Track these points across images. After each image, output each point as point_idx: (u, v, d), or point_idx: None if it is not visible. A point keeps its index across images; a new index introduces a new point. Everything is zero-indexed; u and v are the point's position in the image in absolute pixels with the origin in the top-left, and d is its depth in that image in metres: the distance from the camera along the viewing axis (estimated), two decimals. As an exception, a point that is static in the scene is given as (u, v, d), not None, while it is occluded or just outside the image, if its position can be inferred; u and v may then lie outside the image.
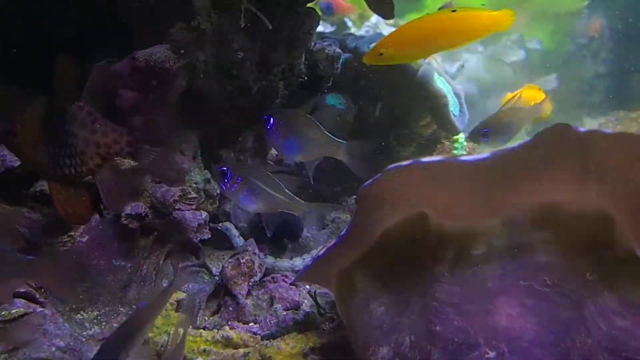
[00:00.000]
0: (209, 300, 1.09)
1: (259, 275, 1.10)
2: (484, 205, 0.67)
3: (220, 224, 1.27)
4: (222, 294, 1.08)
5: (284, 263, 1.24)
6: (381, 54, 1.00)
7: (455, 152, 1.50)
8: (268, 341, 0.91)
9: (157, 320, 0.96)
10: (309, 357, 0.89)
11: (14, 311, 0.80)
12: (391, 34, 1.03)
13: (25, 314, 0.81)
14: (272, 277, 1.12)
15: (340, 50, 1.35)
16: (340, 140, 1.10)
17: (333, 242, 0.84)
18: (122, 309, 1.02)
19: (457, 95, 1.37)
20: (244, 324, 1.05)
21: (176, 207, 1.05)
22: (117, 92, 1.03)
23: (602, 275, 0.62)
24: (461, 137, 1.53)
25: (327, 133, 1.11)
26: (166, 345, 0.93)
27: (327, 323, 1.03)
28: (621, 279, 0.60)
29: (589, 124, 3.31)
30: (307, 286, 1.12)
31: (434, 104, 1.27)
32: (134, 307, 1.03)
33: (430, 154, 1.41)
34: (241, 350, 0.91)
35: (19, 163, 0.98)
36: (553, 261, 0.65)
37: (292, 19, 1.23)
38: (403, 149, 1.39)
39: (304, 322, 1.03)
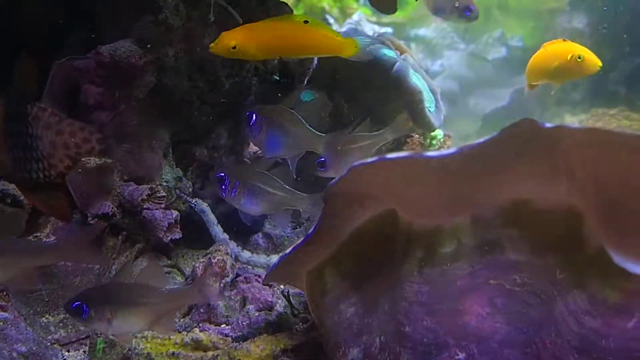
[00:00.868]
0: (179, 302, 1.06)
1: (232, 276, 1.08)
2: (452, 202, 0.66)
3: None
4: (193, 294, 1.06)
5: (260, 259, 1.21)
6: (234, 47, 0.98)
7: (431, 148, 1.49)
8: (238, 343, 0.89)
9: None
10: (280, 359, 0.87)
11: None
12: (244, 28, 1.01)
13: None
14: (245, 277, 1.09)
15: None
16: (319, 134, 1.09)
17: (300, 240, 0.82)
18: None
19: (432, 91, 1.35)
20: (215, 325, 1.03)
21: (144, 206, 1.02)
22: (81, 88, 1.00)
23: (572, 274, 0.61)
24: (438, 133, 1.52)
25: (308, 127, 1.10)
26: None
27: (301, 324, 1.01)
28: (591, 278, 0.59)
29: (570, 121, 3.33)
30: (282, 286, 1.10)
31: (409, 100, 1.25)
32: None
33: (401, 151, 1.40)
34: (210, 353, 0.88)
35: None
36: (523, 259, 0.64)
37: (263, 13, 1.21)
38: (382, 146, 1.37)
39: (277, 323, 1.01)
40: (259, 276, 1.10)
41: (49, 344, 0.92)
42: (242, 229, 1.27)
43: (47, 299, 0.97)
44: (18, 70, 0.89)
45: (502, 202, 0.64)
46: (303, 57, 1.13)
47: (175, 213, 1.12)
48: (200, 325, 1.01)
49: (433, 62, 4.05)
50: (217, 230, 1.22)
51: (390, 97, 1.31)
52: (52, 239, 1.03)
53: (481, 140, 0.59)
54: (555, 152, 0.58)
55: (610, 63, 3.12)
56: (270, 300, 1.05)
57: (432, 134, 1.52)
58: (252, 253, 1.22)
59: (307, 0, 3.52)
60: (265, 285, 1.08)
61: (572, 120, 3.30)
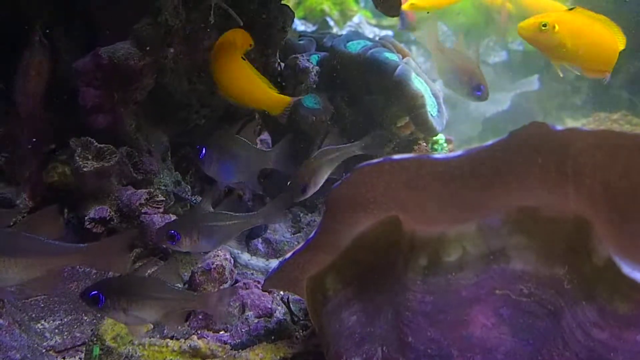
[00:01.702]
0: (177, 308, 1.05)
1: (230, 281, 1.06)
2: (457, 208, 0.64)
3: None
4: (191, 301, 1.04)
5: (259, 262, 1.20)
6: None
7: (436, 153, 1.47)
8: (236, 351, 0.87)
9: (121, 330, 0.92)
10: (279, 368, 0.86)
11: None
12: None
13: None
14: (244, 283, 1.08)
15: (308, 65, 1.30)
16: (265, 150, 1.10)
17: (299, 246, 0.81)
18: (85, 318, 0.98)
19: (435, 95, 1.34)
20: (213, 332, 1.01)
21: (142, 210, 1.01)
22: (79, 89, 0.99)
23: (580, 284, 0.59)
24: (441, 138, 1.50)
25: (254, 146, 1.10)
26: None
27: (301, 331, 0.99)
28: (600, 289, 0.57)
29: (571, 125, 3.31)
30: (281, 292, 1.09)
31: (411, 104, 1.24)
32: (99, 315, 0.98)
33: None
34: (208, 361, 0.87)
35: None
36: (529, 269, 0.62)
37: (264, 16, 1.20)
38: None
39: (276, 330, 0.99)
40: (259, 282, 1.08)
41: (44, 350, 0.91)
42: (241, 234, 1.25)
43: (42, 305, 0.95)
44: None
45: (508, 209, 0.63)
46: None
47: (174, 217, 1.11)
48: (199, 332, 0.99)
49: (433, 65, 4.03)
50: None
51: (392, 101, 1.29)
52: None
53: (489, 142, 0.57)
54: (564, 157, 0.56)
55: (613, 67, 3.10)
56: (269, 306, 1.04)
57: (434, 138, 1.51)
58: (251, 256, 1.21)
59: (307, 2, 3.50)
60: (264, 291, 1.06)
61: (574, 124, 3.28)
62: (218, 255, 1.09)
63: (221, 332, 1.01)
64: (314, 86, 1.34)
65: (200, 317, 1.01)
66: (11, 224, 0.87)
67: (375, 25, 3.88)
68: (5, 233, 0.75)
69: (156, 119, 1.17)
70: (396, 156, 0.62)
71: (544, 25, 1.17)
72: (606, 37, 1.21)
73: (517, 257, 0.63)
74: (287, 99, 1.04)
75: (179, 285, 0.93)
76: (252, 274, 1.20)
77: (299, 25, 3.28)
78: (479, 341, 0.62)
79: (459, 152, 0.59)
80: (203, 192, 1.36)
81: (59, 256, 0.78)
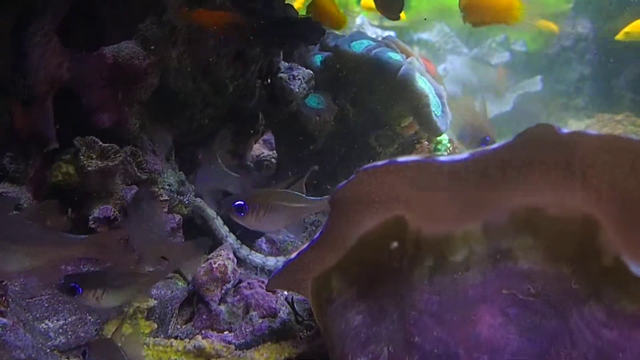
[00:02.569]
0: (181, 308, 1.05)
1: (233, 281, 1.06)
2: (463, 209, 0.64)
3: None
4: (195, 301, 1.04)
5: (257, 258, 1.19)
6: None
7: (438, 153, 1.47)
8: (241, 351, 0.87)
9: (126, 330, 0.92)
10: (284, 368, 0.85)
11: (-30, 320, 0.75)
12: None
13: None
14: (248, 283, 1.07)
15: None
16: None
17: (304, 246, 0.80)
18: (90, 318, 0.97)
19: (439, 95, 1.33)
20: (218, 332, 1.01)
21: (147, 210, 1.01)
22: (84, 89, 0.99)
23: (588, 284, 0.59)
24: (444, 138, 1.50)
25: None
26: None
27: (305, 331, 0.99)
28: (608, 288, 0.57)
29: (574, 126, 3.31)
30: (285, 292, 1.08)
31: (415, 104, 1.24)
32: (103, 315, 0.98)
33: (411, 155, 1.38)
34: (212, 361, 0.86)
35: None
36: (536, 269, 0.62)
37: (268, 15, 1.19)
38: (384, 150, 1.36)
39: (281, 331, 0.99)
40: (263, 282, 1.08)
41: (48, 350, 0.90)
42: (245, 234, 1.25)
43: (46, 305, 0.95)
44: None
45: (515, 209, 0.62)
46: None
47: (177, 217, 1.11)
48: (203, 332, 0.99)
49: (436, 66, 4.03)
50: (218, 224, 1.20)
51: (396, 101, 1.29)
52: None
53: (495, 145, 0.57)
54: (571, 159, 0.56)
55: (615, 68, 3.11)
56: (274, 306, 1.03)
57: (438, 138, 1.51)
58: (250, 251, 1.20)
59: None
60: (268, 291, 1.06)
61: (577, 125, 3.28)
62: (220, 255, 1.09)
63: (225, 332, 1.01)
64: (311, 91, 1.34)
65: (204, 316, 1.01)
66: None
67: (378, 26, 3.88)
68: (8, 219, 0.75)
69: (160, 119, 1.16)
70: (401, 158, 0.62)
71: None
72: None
73: (523, 256, 0.62)
74: None
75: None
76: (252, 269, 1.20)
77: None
78: (486, 341, 0.62)
79: (464, 155, 0.59)
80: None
81: (60, 246, 0.79)
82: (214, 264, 1.05)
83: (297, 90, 1.31)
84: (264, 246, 1.25)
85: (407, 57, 1.37)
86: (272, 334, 0.98)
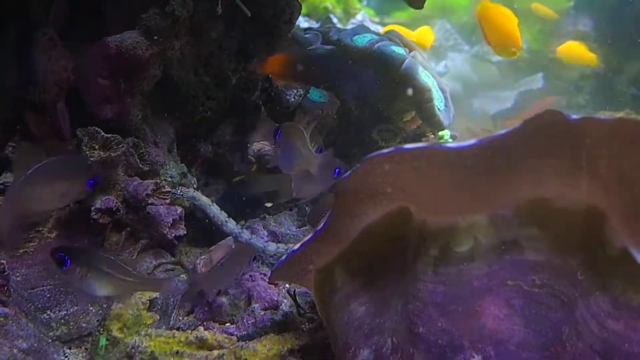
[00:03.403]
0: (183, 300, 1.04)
1: (234, 273, 1.05)
2: (468, 199, 0.64)
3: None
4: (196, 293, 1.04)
5: (258, 242, 1.19)
6: None
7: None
8: (244, 342, 0.86)
9: (127, 321, 0.92)
10: (287, 359, 0.85)
11: (-28, 309, 0.75)
12: None
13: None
14: (250, 276, 1.07)
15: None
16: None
17: (308, 236, 0.80)
18: (91, 309, 0.97)
19: (442, 90, 1.33)
20: (220, 324, 1.01)
21: (149, 201, 1.00)
22: (86, 79, 0.98)
23: (594, 275, 0.58)
24: (446, 132, 1.50)
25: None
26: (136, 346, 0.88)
27: (307, 324, 0.99)
28: (614, 279, 0.57)
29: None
30: (287, 285, 1.08)
31: (418, 98, 1.23)
32: (105, 306, 0.98)
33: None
34: (215, 352, 0.86)
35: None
36: (542, 260, 0.61)
37: (272, 8, 1.19)
38: (386, 144, 1.35)
39: (283, 323, 0.99)
40: (264, 274, 1.07)
41: (50, 340, 0.90)
42: (247, 227, 1.25)
43: (48, 295, 0.95)
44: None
45: (521, 200, 0.62)
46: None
47: (179, 209, 1.10)
48: (205, 323, 0.99)
49: (437, 63, 4.02)
50: (215, 210, 1.19)
51: (399, 95, 1.29)
52: (53, 234, 1.02)
53: (502, 131, 0.57)
54: (579, 147, 0.56)
55: (616, 66, 3.10)
56: (275, 299, 1.03)
57: (440, 133, 1.50)
58: (252, 235, 1.20)
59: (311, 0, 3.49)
60: (270, 283, 1.06)
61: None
62: (221, 248, 1.09)
63: (227, 324, 1.01)
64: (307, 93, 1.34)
65: (205, 309, 1.01)
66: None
67: (379, 23, 3.88)
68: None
69: (162, 111, 1.16)
70: (407, 145, 0.62)
71: None
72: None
73: (529, 247, 0.62)
74: None
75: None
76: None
77: (302, 22, 3.27)
78: (490, 332, 0.62)
79: (471, 141, 0.58)
80: (208, 184, 1.36)
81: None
82: (214, 255, 1.05)
83: (293, 99, 1.32)
84: (265, 239, 1.24)
85: (410, 52, 1.37)
86: (274, 326, 0.98)
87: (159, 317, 0.97)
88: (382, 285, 0.74)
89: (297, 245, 0.81)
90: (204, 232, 1.23)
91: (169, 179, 1.11)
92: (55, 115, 0.94)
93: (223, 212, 1.18)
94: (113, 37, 0.96)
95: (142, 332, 0.90)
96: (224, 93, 1.24)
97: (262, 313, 1.00)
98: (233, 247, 1.10)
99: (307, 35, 1.50)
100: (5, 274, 0.87)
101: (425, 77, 1.27)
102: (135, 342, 0.88)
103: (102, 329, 0.89)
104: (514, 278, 0.62)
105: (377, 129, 1.38)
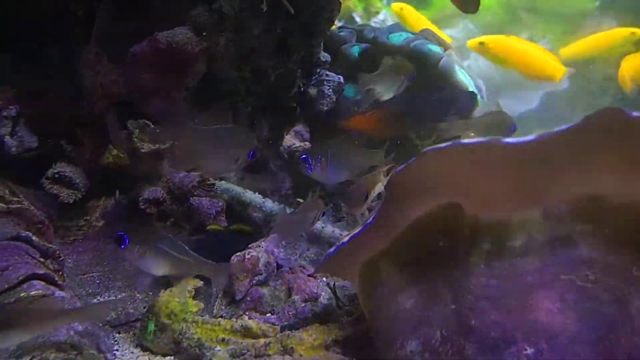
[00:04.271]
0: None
1: (265, 274, 1.07)
2: (523, 194, 0.65)
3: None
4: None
5: (326, 230, 1.22)
6: None
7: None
8: (290, 332, 0.89)
9: (175, 308, 0.94)
10: (331, 349, 0.87)
11: (32, 293, 0.78)
12: None
13: (44, 296, 0.78)
14: (290, 268, 1.10)
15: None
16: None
17: (357, 230, 0.81)
18: (138, 296, 1.00)
19: (478, 88, 1.34)
20: (261, 314, 1.03)
21: (194, 193, 1.03)
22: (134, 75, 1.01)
23: (649, 271, 0.60)
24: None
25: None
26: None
27: (346, 316, 1.01)
28: (670, 275, 0.58)
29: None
30: (324, 278, 1.10)
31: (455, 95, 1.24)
32: (151, 294, 1.00)
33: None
34: (262, 340, 0.88)
35: (37, 144, 0.96)
36: (596, 255, 0.63)
37: (312, 5, 1.21)
38: (422, 142, 1.36)
39: (323, 314, 1.01)
40: (304, 267, 1.10)
41: (100, 324, 0.93)
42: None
43: (98, 282, 0.98)
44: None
45: (576, 196, 0.63)
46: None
47: (221, 202, 1.13)
48: (247, 313, 1.01)
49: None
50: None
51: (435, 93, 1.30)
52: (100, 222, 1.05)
53: (562, 127, 0.58)
54: (637, 145, 0.57)
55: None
56: (315, 291, 1.05)
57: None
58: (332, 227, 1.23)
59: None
60: (310, 276, 1.08)
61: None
62: (259, 247, 1.11)
63: (268, 314, 1.03)
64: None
65: (248, 298, 1.03)
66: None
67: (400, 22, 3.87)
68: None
69: (204, 105, 1.18)
70: (465, 140, 0.63)
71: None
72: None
73: (583, 243, 0.63)
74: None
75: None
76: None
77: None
78: (543, 326, 0.63)
79: (531, 136, 0.59)
80: (243, 178, 1.38)
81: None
82: (247, 254, 1.07)
83: (326, 108, 1.35)
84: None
85: (445, 50, 1.38)
86: (314, 317, 1.00)
87: (203, 306, 1.00)
88: (430, 279, 0.75)
89: (346, 239, 0.82)
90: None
91: (211, 172, 1.14)
92: (105, 126, 0.97)
93: (257, 194, 1.22)
94: (164, 33, 0.99)
95: (189, 319, 0.92)
96: (263, 89, 1.26)
97: (303, 305, 1.02)
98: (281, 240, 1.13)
99: (341, 33, 1.51)
100: (61, 259, 0.90)
101: (462, 75, 1.28)
102: (183, 328, 0.91)
103: (151, 315, 0.92)
104: (567, 273, 0.64)
105: (412, 126, 1.39)
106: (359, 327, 0.94)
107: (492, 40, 1.80)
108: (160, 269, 0.86)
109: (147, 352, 0.93)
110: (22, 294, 0.77)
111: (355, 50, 1.44)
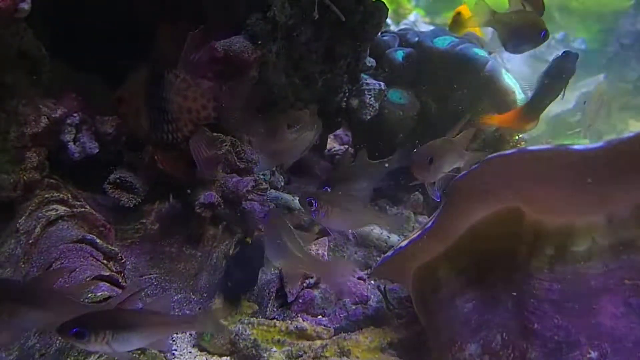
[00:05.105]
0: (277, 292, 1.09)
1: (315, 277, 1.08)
2: (587, 199, 0.66)
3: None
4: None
5: (374, 232, 1.25)
6: None
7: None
8: (346, 334, 0.90)
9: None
10: (387, 352, 0.88)
11: (99, 294, 0.81)
12: None
13: (110, 297, 0.81)
14: (339, 271, 1.11)
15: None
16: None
17: (415, 234, 0.83)
18: (193, 297, 1.03)
19: (524, 92, 1.34)
20: (312, 316, 1.05)
21: (249, 197, 1.05)
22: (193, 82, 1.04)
23: None
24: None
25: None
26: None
27: (396, 319, 1.02)
28: None
29: (634, 126, 3.25)
30: (372, 281, 1.12)
31: (502, 99, 1.25)
32: (205, 295, 1.03)
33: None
34: (318, 342, 0.90)
35: (98, 150, 1.00)
36: (661, 261, 0.63)
37: (361, 11, 1.22)
38: (467, 146, 1.36)
39: (374, 317, 1.03)
40: (354, 270, 1.11)
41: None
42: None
43: (155, 284, 1.01)
44: (158, 37, 0.95)
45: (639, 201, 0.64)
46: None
47: (272, 206, 1.15)
48: (299, 315, 1.03)
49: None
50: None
51: (482, 97, 1.30)
52: (156, 225, 1.08)
53: (630, 134, 0.59)
54: None
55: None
56: (365, 294, 1.07)
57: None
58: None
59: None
60: (359, 279, 1.09)
61: (637, 126, 3.21)
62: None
63: (319, 317, 1.05)
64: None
65: (300, 300, 1.05)
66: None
67: (430, 23, 3.87)
68: None
69: (256, 111, 1.21)
70: (531, 147, 0.64)
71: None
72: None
73: (648, 249, 0.64)
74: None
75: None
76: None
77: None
78: (607, 330, 0.64)
79: (599, 144, 0.60)
80: (290, 182, 1.41)
81: None
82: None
83: (367, 118, 1.37)
84: (349, 235, 1.28)
85: (490, 54, 1.38)
86: (366, 320, 1.02)
87: (257, 307, 1.02)
88: (489, 283, 0.76)
89: (405, 243, 0.84)
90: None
91: (262, 177, 1.16)
92: (188, 151, 0.99)
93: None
94: (221, 42, 1.01)
95: (245, 321, 0.95)
96: (311, 94, 1.28)
97: (354, 307, 1.04)
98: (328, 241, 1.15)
99: (385, 38, 1.53)
100: (123, 261, 0.93)
101: (508, 79, 1.28)
102: (239, 329, 0.93)
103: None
104: (631, 278, 0.64)
105: (458, 130, 1.40)
106: (411, 330, 0.95)
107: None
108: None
109: (204, 352, 0.96)
110: (89, 295, 0.80)
111: (399, 54, 1.45)
